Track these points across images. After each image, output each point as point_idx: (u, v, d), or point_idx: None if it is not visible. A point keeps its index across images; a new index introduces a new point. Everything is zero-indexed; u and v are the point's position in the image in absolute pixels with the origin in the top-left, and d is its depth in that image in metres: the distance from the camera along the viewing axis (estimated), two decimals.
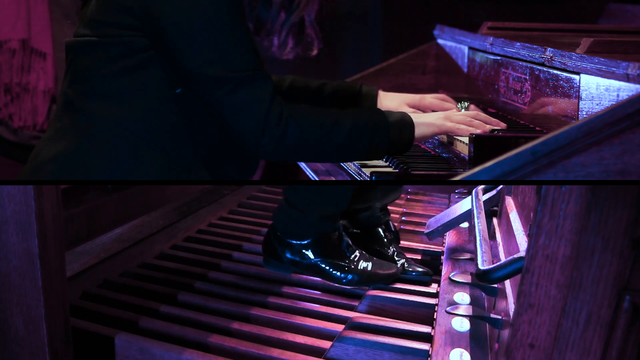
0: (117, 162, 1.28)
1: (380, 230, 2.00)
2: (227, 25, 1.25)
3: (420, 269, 1.90)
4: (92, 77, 1.29)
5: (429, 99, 1.58)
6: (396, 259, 1.93)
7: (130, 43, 1.27)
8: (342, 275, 1.79)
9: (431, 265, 2.03)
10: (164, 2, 1.23)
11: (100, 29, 1.28)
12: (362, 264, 1.81)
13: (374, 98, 1.59)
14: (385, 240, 1.98)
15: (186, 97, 1.30)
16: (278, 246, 1.83)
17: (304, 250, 1.80)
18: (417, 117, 1.39)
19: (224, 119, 1.30)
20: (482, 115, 1.45)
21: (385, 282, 1.81)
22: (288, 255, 1.82)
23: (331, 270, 1.79)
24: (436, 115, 1.41)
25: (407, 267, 1.89)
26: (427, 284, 1.87)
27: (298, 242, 1.80)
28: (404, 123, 1.37)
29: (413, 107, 1.58)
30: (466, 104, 1.55)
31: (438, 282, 1.82)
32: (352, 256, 1.81)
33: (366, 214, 2.00)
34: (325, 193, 1.76)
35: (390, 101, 1.58)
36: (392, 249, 1.96)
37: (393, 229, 2.05)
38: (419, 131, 1.38)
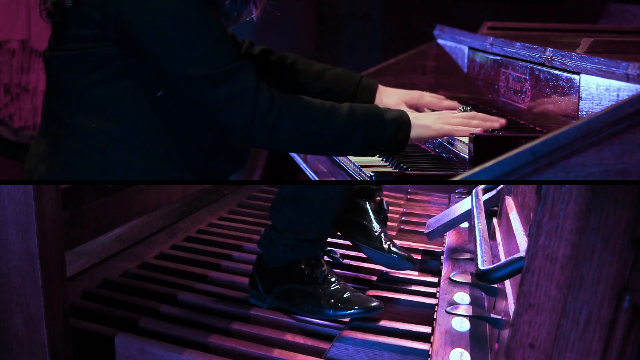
0: (112, 172, 1.29)
1: (369, 206, 1.90)
2: (198, 24, 1.25)
3: (404, 254, 1.81)
4: (73, 91, 1.29)
5: (428, 97, 1.57)
6: (382, 238, 1.84)
7: (102, 54, 1.27)
8: (311, 305, 1.64)
9: (431, 266, 2.03)
10: (133, 13, 1.23)
11: (72, 42, 1.28)
12: (337, 287, 1.65)
13: (373, 92, 1.57)
14: (374, 217, 1.88)
15: (169, 98, 1.30)
16: (256, 273, 1.74)
17: (277, 277, 1.69)
18: (415, 118, 1.37)
19: (214, 116, 1.29)
20: (480, 115, 1.44)
21: (364, 310, 1.59)
22: (262, 282, 1.72)
23: (301, 298, 1.66)
24: (434, 118, 1.39)
25: (392, 248, 1.82)
26: (407, 270, 1.84)
27: (273, 267, 1.70)
28: (401, 121, 1.35)
29: (411, 105, 1.57)
30: (468, 108, 1.54)
31: (434, 282, 1.82)
32: (326, 282, 1.66)
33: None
34: (306, 215, 1.67)
35: (388, 97, 1.57)
36: (379, 229, 1.87)
37: (385, 208, 1.96)
38: (415, 132, 1.36)
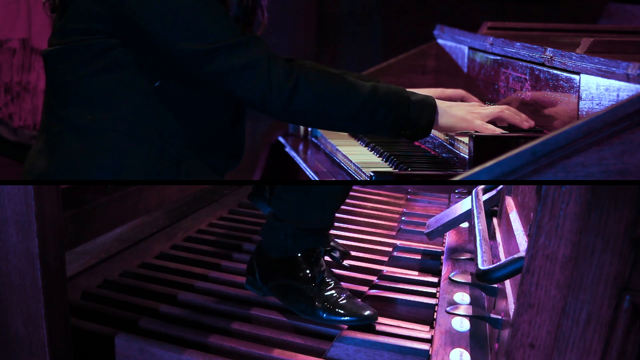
0: (108, 164, 1.28)
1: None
2: (203, 2, 1.25)
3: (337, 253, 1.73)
4: (69, 84, 1.29)
5: (449, 92, 1.56)
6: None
7: (98, 45, 1.26)
8: (305, 304, 1.62)
9: (431, 266, 2.03)
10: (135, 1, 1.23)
11: (69, 37, 1.28)
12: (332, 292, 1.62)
13: None
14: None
15: (166, 89, 1.30)
16: (255, 260, 1.73)
17: (275, 268, 1.68)
18: (446, 106, 1.36)
19: (228, 91, 1.28)
20: (511, 109, 1.43)
21: (358, 319, 1.56)
22: (260, 270, 1.71)
23: (296, 296, 1.64)
24: (466, 110, 1.37)
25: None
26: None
27: (272, 257, 1.68)
28: (427, 105, 1.34)
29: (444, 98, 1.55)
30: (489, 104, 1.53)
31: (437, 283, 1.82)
32: (323, 283, 1.63)
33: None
34: (308, 203, 1.65)
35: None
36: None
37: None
38: (445, 120, 1.35)
